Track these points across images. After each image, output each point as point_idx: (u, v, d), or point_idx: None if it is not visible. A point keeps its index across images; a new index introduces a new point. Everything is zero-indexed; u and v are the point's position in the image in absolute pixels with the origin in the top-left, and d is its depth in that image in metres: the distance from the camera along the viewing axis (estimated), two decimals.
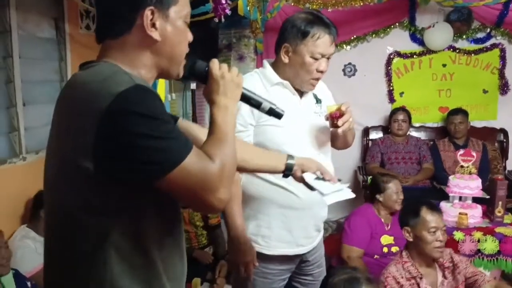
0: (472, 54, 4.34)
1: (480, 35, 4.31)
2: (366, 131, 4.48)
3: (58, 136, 1.01)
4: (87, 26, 3.47)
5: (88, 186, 0.94)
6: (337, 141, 1.89)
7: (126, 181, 0.92)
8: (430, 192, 3.77)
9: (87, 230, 0.97)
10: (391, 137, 4.22)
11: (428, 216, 2.20)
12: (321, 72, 1.74)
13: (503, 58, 4.31)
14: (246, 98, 1.22)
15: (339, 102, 1.80)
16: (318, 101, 1.88)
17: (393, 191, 3.03)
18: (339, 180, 1.48)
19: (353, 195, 1.45)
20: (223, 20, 2.68)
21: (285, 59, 1.74)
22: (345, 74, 4.49)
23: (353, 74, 4.50)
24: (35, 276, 2.43)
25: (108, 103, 0.88)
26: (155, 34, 1.01)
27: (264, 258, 1.81)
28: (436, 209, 2.28)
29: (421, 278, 2.16)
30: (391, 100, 4.50)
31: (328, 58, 1.74)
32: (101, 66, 1.00)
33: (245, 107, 1.70)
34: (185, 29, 1.07)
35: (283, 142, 1.72)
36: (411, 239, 2.23)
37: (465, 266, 2.27)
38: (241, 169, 1.41)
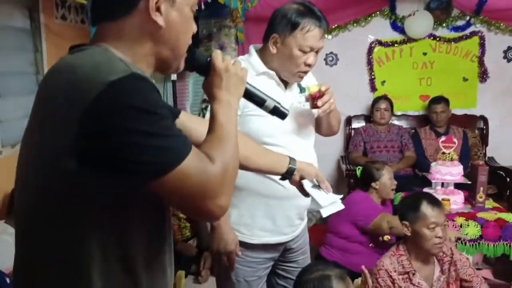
0: (452, 42, 4.38)
1: (460, 23, 4.35)
2: (348, 120, 4.49)
3: (36, 129, 0.87)
4: (63, 16, 3.37)
5: (68, 188, 0.82)
6: (322, 126, 1.87)
7: (113, 183, 0.81)
8: (412, 180, 3.81)
9: (60, 238, 0.85)
10: (373, 126, 4.24)
11: (428, 211, 2.09)
12: (309, 65, 1.70)
13: (482, 45, 4.35)
14: (249, 95, 1.13)
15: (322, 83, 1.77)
16: (302, 90, 1.85)
17: (387, 178, 3.02)
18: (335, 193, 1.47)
19: (343, 207, 1.44)
20: (203, 7, 2.63)
21: (273, 50, 1.70)
22: (326, 64, 4.48)
23: (335, 64, 4.50)
24: None
25: (98, 92, 0.77)
26: (159, 19, 0.89)
27: (247, 246, 1.79)
28: (437, 203, 2.17)
29: (414, 274, 2.10)
30: (373, 89, 4.51)
31: (316, 52, 1.71)
32: (93, 50, 0.87)
33: None
34: (191, 17, 0.96)
35: (267, 132, 1.70)
36: (409, 234, 2.13)
37: (463, 266, 2.18)
38: (242, 167, 1.28)
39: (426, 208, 2.11)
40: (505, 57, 4.37)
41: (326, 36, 4.34)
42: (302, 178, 1.40)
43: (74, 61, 0.85)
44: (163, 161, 0.80)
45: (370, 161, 3.44)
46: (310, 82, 1.90)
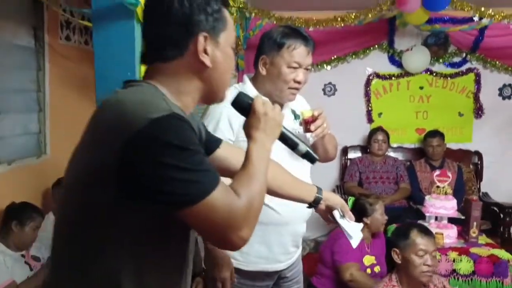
0: (448, 78, 4.46)
1: (456, 59, 4.43)
2: (344, 150, 4.52)
3: (84, 150, 0.97)
4: (67, 37, 3.43)
5: (101, 209, 0.91)
6: (317, 151, 1.88)
7: (147, 210, 0.90)
8: (406, 212, 3.81)
9: (88, 250, 0.93)
10: (370, 157, 4.27)
11: (418, 238, 2.14)
12: (299, 82, 1.75)
13: (478, 82, 4.43)
14: (284, 138, 1.21)
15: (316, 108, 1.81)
16: (296, 117, 1.89)
17: (379, 213, 2.99)
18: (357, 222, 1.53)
19: (361, 235, 1.49)
20: None
21: (263, 71, 1.76)
22: (325, 94, 4.54)
23: (333, 94, 4.56)
24: None
25: (140, 127, 0.85)
26: (206, 60, 0.99)
27: (242, 274, 1.78)
28: (428, 233, 2.21)
29: None
30: (370, 120, 4.56)
31: (307, 70, 1.76)
32: (143, 87, 0.98)
33: (224, 122, 1.70)
34: (232, 55, 1.06)
35: None
36: (399, 262, 2.16)
37: None
38: (275, 194, 1.39)
39: (416, 236, 2.16)
40: (500, 94, 4.45)
41: (325, 66, 4.43)
42: (327, 207, 1.47)
43: (125, 95, 0.97)
44: (191, 193, 0.87)
45: (364, 194, 3.44)
46: (301, 104, 1.94)
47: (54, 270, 1.00)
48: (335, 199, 1.48)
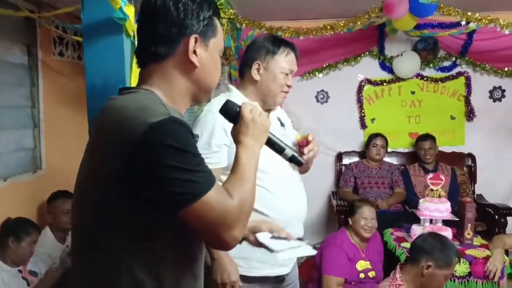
0: (439, 82, 4.50)
1: (446, 63, 4.48)
2: (339, 156, 4.55)
3: (90, 158, 1.05)
4: (60, 53, 3.47)
5: (112, 209, 0.97)
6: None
7: (150, 208, 0.95)
8: (402, 216, 3.82)
9: (103, 250, 1.00)
10: (365, 162, 4.29)
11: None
12: (289, 86, 1.88)
13: (468, 85, 4.47)
14: (271, 143, 1.26)
15: (311, 127, 1.92)
16: (282, 124, 1.98)
17: (362, 216, 2.97)
18: (300, 239, 1.46)
19: (314, 252, 1.32)
20: None
21: (256, 77, 1.84)
22: (317, 101, 4.58)
23: (326, 101, 4.59)
24: None
25: (141, 131, 0.91)
26: (195, 60, 1.07)
27: (245, 280, 1.81)
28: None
29: None
30: (363, 126, 4.59)
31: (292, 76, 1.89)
32: (140, 94, 1.05)
33: (218, 128, 1.73)
34: (219, 61, 1.15)
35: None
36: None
37: None
38: None
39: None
40: (491, 97, 4.49)
41: (317, 74, 4.48)
42: (255, 234, 1.32)
43: (124, 102, 1.03)
44: (190, 192, 0.93)
45: (361, 199, 3.45)
46: (284, 116, 2.03)
47: (76, 264, 1.10)
48: (261, 225, 1.34)
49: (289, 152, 1.32)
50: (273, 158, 1.76)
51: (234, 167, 1.08)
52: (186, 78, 1.09)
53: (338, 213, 3.85)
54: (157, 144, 0.92)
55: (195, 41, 1.07)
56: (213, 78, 1.14)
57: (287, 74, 1.84)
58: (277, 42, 1.85)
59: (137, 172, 0.93)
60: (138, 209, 0.96)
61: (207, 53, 1.10)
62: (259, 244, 1.33)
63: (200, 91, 1.13)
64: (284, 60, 1.83)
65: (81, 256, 1.07)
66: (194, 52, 1.07)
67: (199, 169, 0.96)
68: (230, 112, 1.17)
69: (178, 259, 1.05)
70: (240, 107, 1.16)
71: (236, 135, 1.15)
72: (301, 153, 1.81)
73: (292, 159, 1.34)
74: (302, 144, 1.83)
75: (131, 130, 0.93)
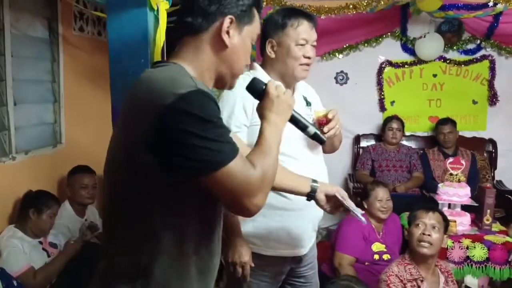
0: (462, 65, 4.41)
1: (470, 46, 4.38)
2: (357, 139, 4.51)
3: (122, 126, 1.10)
4: (81, 28, 3.47)
5: (142, 175, 1.02)
6: (324, 145, 1.91)
7: (178, 174, 1.00)
8: (419, 200, 3.79)
9: (134, 213, 1.05)
10: (383, 145, 4.25)
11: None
12: (309, 58, 1.79)
13: (492, 69, 4.37)
14: (294, 120, 1.30)
15: (330, 109, 1.85)
16: (308, 103, 1.92)
17: (376, 198, 2.99)
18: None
19: (363, 219, 1.55)
20: None
21: (272, 54, 1.80)
22: (337, 82, 4.53)
23: (345, 82, 4.54)
24: (21, 276, 2.40)
25: (170, 101, 0.96)
26: (227, 40, 1.11)
27: (260, 258, 1.80)
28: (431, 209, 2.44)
29: (422, 281, 2.18)
30: (382, 108, 4.54)
31: (313, 46, 1.80)
32: (170, 67, 1.10)
33: (239, 108, 1.72)
34: (250, 48, 1.18)
35: None
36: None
37: None
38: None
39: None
40: None
41: (337, 55, 4.41)
42: (326, 196, 1.54)
43: (155, 74, 1.08)
44: (213, 160, 0.98)
45: (373, 181, 3.44)
46: (312, 94, 1.97)
47: (106, 228, 1.17)
48: (332, 187, 1.56)
49: (312, 129, 1.35)
50: (296, 143, 1.77)
51: (258, 141, 1.12)
52: (216, 56, 1.13)
53: (355, 196, 3.83)
54: (184, 114, 0.96)
55: (230, 22, 1.11)
56: (240, 63, 1.17)
57: (302, 45, 1.76)
58: (287, 15, 1.77)
59: (164, 139, 0.97)
60: (165, 176, 1.01)
61: (240, 38, 1.14)
62: (331, 209, 1.55)
63: (226, 72, 1.16)
64: (295, 32, 1.75)
65: (111, 221, 1.13)
66: (228, 32, 1.11)
67: (222, 139, 0.99)
68: (256, 89, 1.21)
69: (199, 229, 1.10)
70: (266, 84, 1.20)
71: (261, 111, 1.19)
72: (321, 132, 1.73)
73: (314, 137, 1.37)
74: (322, 122, 1.77)
75: (160, 100, 0.97)
